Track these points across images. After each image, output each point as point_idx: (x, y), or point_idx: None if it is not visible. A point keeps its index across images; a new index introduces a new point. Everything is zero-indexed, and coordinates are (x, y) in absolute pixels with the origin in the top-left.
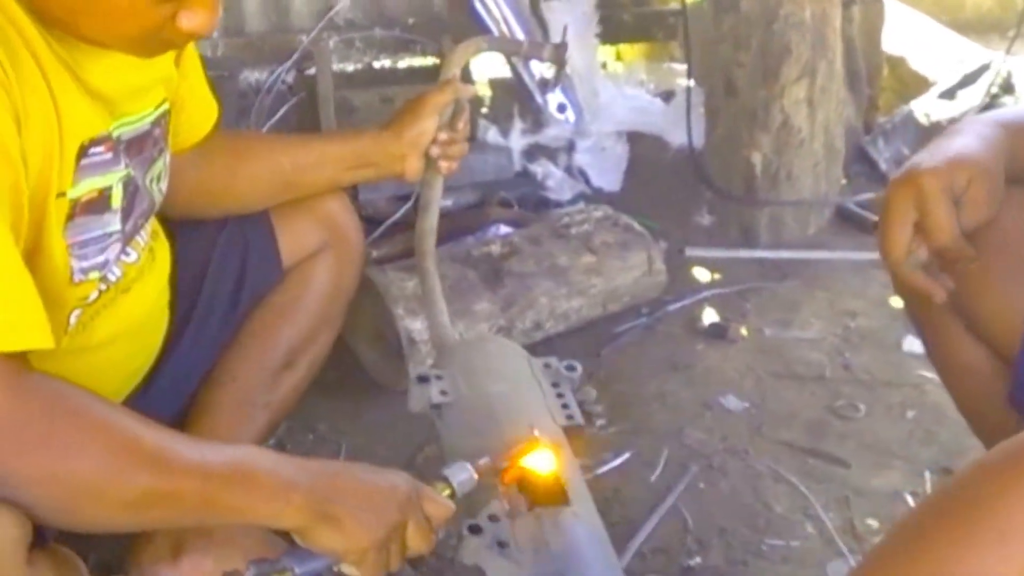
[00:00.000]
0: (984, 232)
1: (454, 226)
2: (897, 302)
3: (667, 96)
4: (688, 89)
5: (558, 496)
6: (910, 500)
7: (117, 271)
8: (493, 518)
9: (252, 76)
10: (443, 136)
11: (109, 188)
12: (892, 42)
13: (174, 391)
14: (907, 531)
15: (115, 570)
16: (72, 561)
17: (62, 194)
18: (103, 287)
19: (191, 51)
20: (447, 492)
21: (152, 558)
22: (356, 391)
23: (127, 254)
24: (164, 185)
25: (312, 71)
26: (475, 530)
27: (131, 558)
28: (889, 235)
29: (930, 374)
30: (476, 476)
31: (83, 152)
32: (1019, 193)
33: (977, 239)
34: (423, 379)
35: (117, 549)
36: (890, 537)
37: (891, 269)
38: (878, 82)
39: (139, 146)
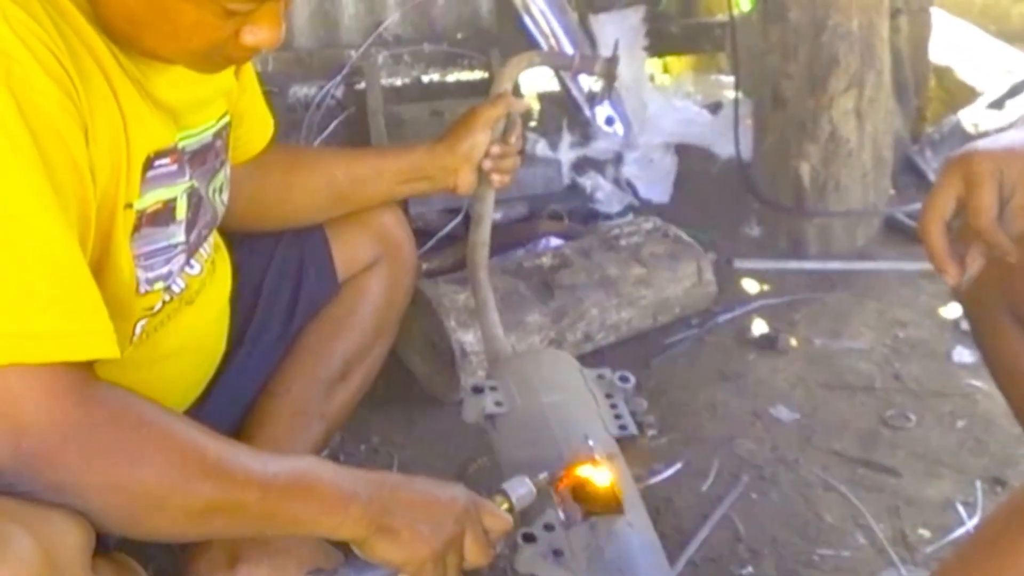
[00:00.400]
0: None
1: (504, 239)
2: (947, 312)
3: (715, 108)
4: (736, 100)
5: (612, 506)
6: (961, 510)
7: (181, 283)
8: (548, 527)
9: (302, 91)
10: (496, 150)
11: (174, 200)
12: (939, 52)
13: (231, 403)
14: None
15: None
16: (134, 568)
17: (129, 205)
18: (167, 298)
19: (248, 65)
20: (505, 506)
21: (208, 567)
22: (408, 403)
23: (191, 266)
24: (226, 197)
25: (361, 86)
26: (530, 539)
27: (187, 567)
28: (929, 201)
29: (980, 383)
30: (535, 491)
31: (149, 164)
32: None
33: None
34: (477, 390)
35: (175, 558)
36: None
37: (921, 233)
38: (925, 92)
39: (202, 158)
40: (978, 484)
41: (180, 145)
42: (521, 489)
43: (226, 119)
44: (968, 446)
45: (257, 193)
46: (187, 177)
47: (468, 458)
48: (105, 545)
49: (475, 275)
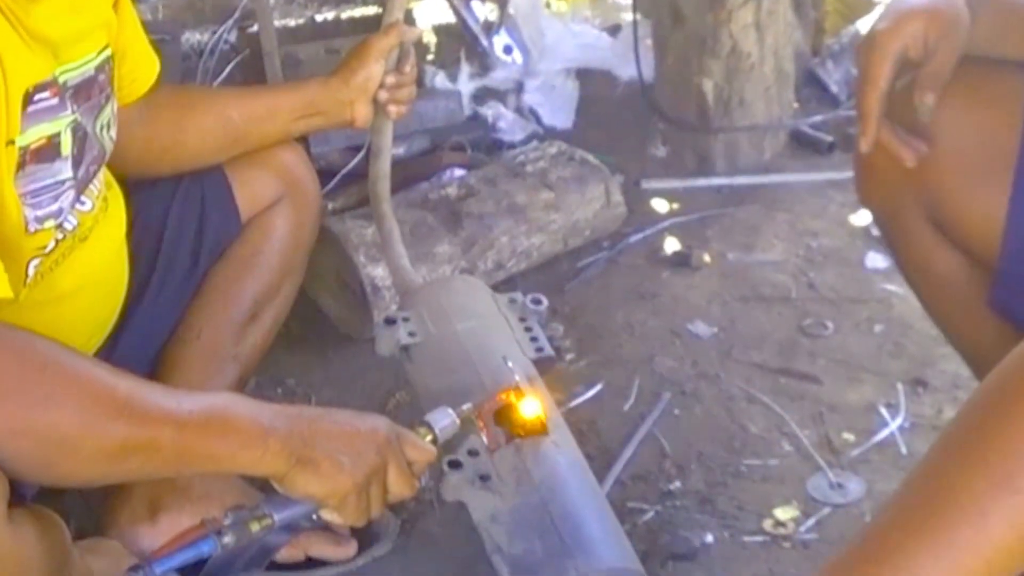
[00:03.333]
0: (957, 130)
1: (408, 173)
2: (857, 219)
3: (614, 30)
4: (634, 21)
5: (537, 427)
6: (884, 412)
7: (73, 220)
8: (473, 453)
9: (194, 37)
10: (390, 80)
11: (58, 135)
12: None
13: (141, 349)
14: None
15: (92, 534)
16: (54, 519)
17: (11, 142)
18: (60, 236)
19: (127, 1)
20: (429, 437)
21: (130, 519)
22: (323, 344)
23: (82, 203)
24: (114, 133)
25: (255, 28)
26: (455, 465)
27: (108, 519)
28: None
29: (894, 287)
30: (458, 421)
31: (28, 98)
32: (989, 87)
33: (955, 137)
34: (390, 322)
35: (94, 513)
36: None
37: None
38: (823, 5)
39: (86, 92)
40: (899, 386)
41: (61, 79)
42: (444, 420)
43: (107, 53)
44: (887, 349)
45: (150, 136)
46: (69, 111)
47: (386, 393)
48: (23, 498)
49: (378, 208)
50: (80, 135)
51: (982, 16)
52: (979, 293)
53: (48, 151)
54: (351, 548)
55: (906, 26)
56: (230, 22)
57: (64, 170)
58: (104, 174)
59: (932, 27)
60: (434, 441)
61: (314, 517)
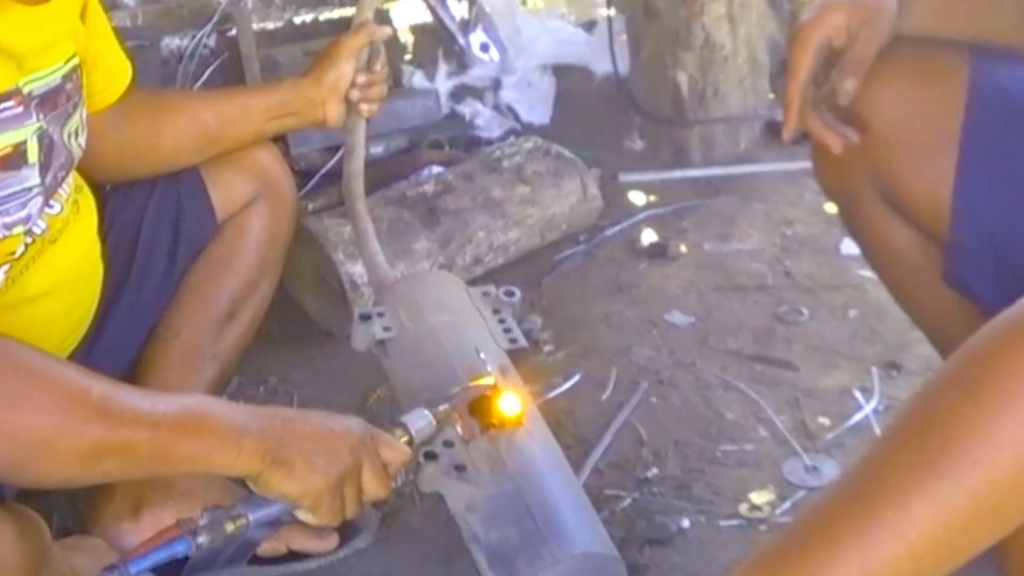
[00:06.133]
0: (905, 109)
1: (388, 172)
2: (832, 207)
3: (589, 26)
4: (609, 17)
5: (510, 417)
6: (859, 396)
7: (42, 224)
8: (448, 443)
9: (173, 43)
10: (361, 79)
11: (23, 143)
12: None
13: (119, 350)
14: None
15: (76, 531)
16: (33, 519)
17: None
18: (28, 240)
19: (96, 8)
20: (404, 439)
21: (113, 516)
22: (304, 341)
23: (50, 207)
24: (83, 140)
25: (233, 32)
26: (431, 456)
27: (91, 517)
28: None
29: (869, 273)
30: (434, 423)
31: None
32: (930, 65)
33: (898, 116)
34: (365, 317)
35: (77, 510)
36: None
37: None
38: None
39: (53, 101)
40: (874, 370)
41: (26, 89)
42: (420, 422)
43: (75, 61)
44: (862, 335)
45: (125, 140)
46: (35, 119)
47: (367, 389)
48: (2, 497)
49: (353, 206)
50: (47, 142)
51: None
52: (935, 268)
53: (14, 159)
54: (332, 541)
55: (828, 17)
56: (208, 26)
57: (31, 177)
58: (74, 177)
59: (854, 15)
60: (410, 443)
61: (289, 517)
